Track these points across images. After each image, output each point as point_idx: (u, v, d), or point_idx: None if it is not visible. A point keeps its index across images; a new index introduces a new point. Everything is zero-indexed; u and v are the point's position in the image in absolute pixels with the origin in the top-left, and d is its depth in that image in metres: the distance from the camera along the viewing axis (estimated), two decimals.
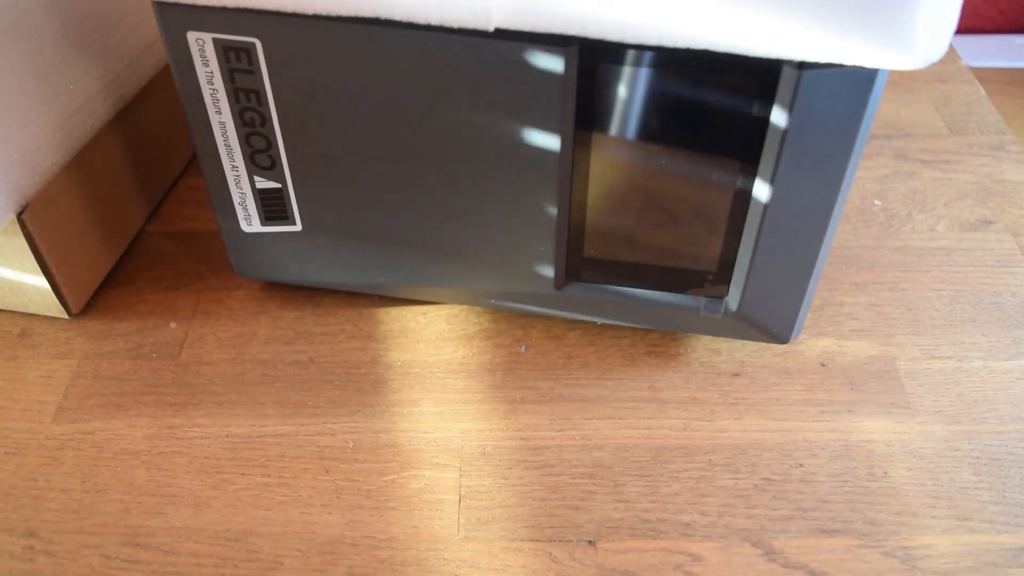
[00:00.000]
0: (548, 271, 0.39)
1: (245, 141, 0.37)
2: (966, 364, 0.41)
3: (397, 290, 0.43)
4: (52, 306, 0.43)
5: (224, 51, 0.33)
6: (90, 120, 0.43)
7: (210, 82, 0.35)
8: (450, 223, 0.38)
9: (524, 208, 0.36)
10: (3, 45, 0.37)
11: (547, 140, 0.34)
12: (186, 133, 0.54)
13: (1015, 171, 0.53)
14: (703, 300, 0.38)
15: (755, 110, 0.31)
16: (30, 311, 0.44)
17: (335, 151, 0.36)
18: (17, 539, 0.35)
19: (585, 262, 0.39)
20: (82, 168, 0.43)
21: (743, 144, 0.33)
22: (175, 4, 0.32)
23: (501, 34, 0.31)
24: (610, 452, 0.38)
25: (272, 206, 0.39)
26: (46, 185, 0.40)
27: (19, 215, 0.39)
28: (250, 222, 0.40)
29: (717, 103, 0.32)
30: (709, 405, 0.40)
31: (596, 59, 0.31)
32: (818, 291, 0.45)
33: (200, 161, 0.38)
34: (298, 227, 0.40)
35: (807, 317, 0.43)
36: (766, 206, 0.34)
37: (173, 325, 0.44)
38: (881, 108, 0.60)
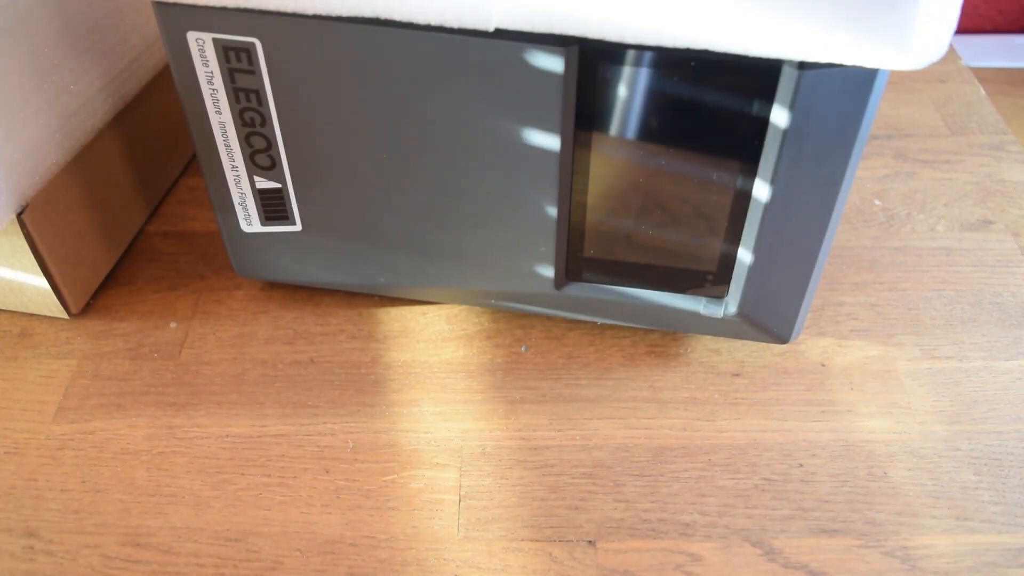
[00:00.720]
0: (548, 271, 0.39)
1: (245, 141, 0.37)
2: (966, 364, 0.41)
3: (397, 290, 0.43)
4: (52, 306, 0.43)
5: (224, 51, 0.33)
6: (90, 120, 0.43)
7: (210, 82, 0.35)
8: (450, 223, 0.38)
9: (524, 208, 0.36)
10: (3, 45, 0.37)
11: (547, 140, 0.34)
12: (186, 133, 0.54)
13: (1015, 171, 0.53)
14: (703, 300, 0.38)
15: (755, 110, 0.31)
16: (30, 311, 0.44)
17: (335, 151, 0.36)
18: (17, 539, 0.35)
19: (585, 262, 0.39)
20: (82, 168, 0.43)
21: (743, 144, 0.33)
22: (175, 4, 0.32)
23: (501, 34, 0.31)
24: (610, 452, 0.38)
25: (272, 206, 0.39)
26: (46, 185, 0.40)
27: (19, 215, 0.39)
28: (250, 222, 0.40)
29: (717, 103, 0.32)
30: (709, 405, 0.40)
31: (596, 59, 0.31)
32: (818, 291, 0.45)
33: (200, 161, 0.38)
34: (298, 227, 0.40)
35: (807, 317, 0.43)
36: (766, 206, 0.34)
37: (173, 325, 0.44)
38: (881, 108, 0.60)
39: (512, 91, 0.33)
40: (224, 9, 0.32)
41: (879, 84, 0.30)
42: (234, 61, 0.34)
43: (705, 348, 0.42)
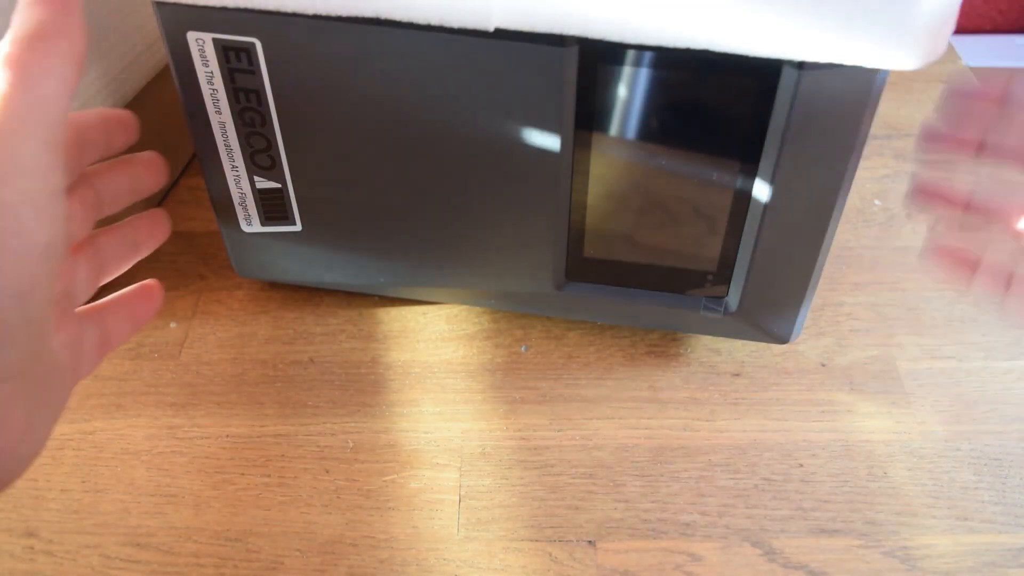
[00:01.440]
0: (548, 271, 0.39)
1: (245, 141, 0.37)
2: (966, 364, 0.41)
3: (397, 290, 0.43)
4: None
5: (224, 51, 0.33)
6: None
7: (210, 82, 0.35)
8: (450, 223, 0.38)
9: (524, 208, 0.36)
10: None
11: (547, 140, 0.34)
12: (186, 133, 0.54)
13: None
14: (703, 300, 0.38)
15: (755, 110, 0.31)
16: None
17: (335, 151, 0.36)
18: (17, 539, 0.35)
19: (585, 262, 0.39)
20: None
21: (743, 144, 0.33)
22: (175, 4, 0.32)
23: (501, 34, 0.31)
24: (610, 452, 0.38)
25: (272, 206, 0.39)
26: None
27: None
28: (250, 222, 0.40)
29: (717, 103, 0.32)
30: (709, 405, 0.40)
31: (596, 59, 0.31)
32: (818, 291, 0.45)
33: (200, 161, 0.38)
34: (298, 227, 0.40)
35: (807, 317, 0.43)
36: (766, 206, 0.34)
37: (173, 325, 0.44)
38: (881, 108, 0.60)
39: (512, 91, 0.33)
40: (224, 9, 0.32)
41: (879, 84, 0.30)
42: (234, 61, 0.34)
43: (705, 348, 0.42)
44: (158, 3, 0.32)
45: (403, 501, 0.36)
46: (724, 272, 0.37)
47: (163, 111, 0.51)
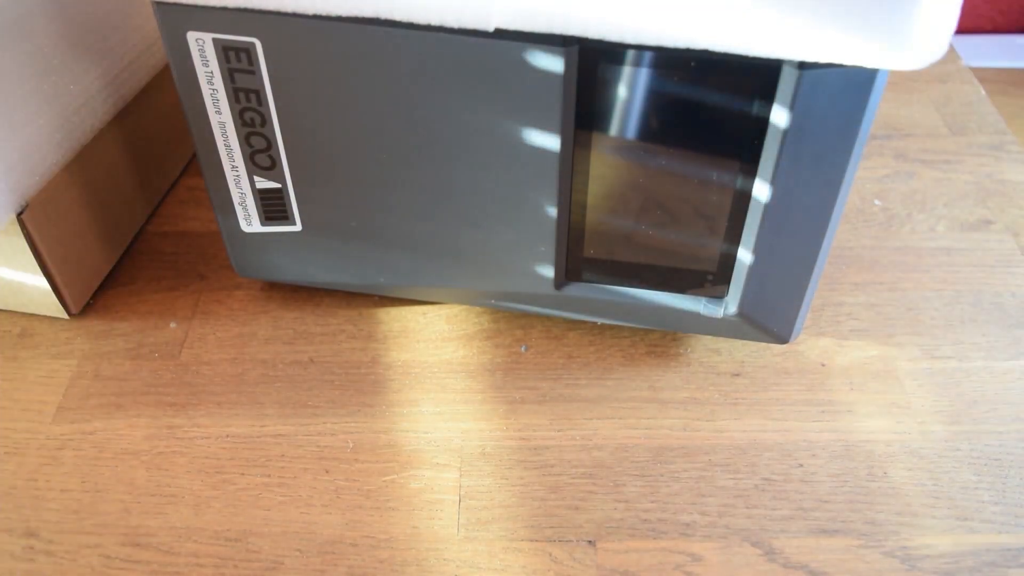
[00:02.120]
0: (548, 271, 0.39)
1: (245, 141, 0.37)
2: (966, 364, 0.41)
3: (397, 290, 0.43)
4: (52, 306, 0.43)
5: (224, 51, 0.33)
6: (90, 120, 0.43)
7: (210, 82, 0.35)
8: (450, 223, 0.38)
9: (524, 208, 0.36)
10: (3, 45, 0.37)
11: (547, 140, 0.34)
12: (186, 133, 0.54)
13: (1015, 171, 0.53)
14: (703, 300, 0.38)
15: (755, 110, 0.31)
16: (30, 311, 0.44)
17: (335, 151, 0.36)
18: (17, 539, 0.35)
19: (585, 262, 0.39)
20: (82, 168, 0.43)
21: (743, 144, 0.33)
22: (175, 4, 0.32)
23: (501, 34, 0.31)
24: (610, 452, 0.38)
25: (272, 206, 0.39)
26: (46, 185, 0.40)
27: (19, 215, 0.39)
28: (250, 222, 0.40)
29: (717, 103, 0.32)
30: (709, 405, 0.40)
31: (596, 59, 0.31)
32: (818, 291, 0.45)
33: (200, 161, 0.38)
34: (298, 227, 0.40)
35: (807, 317, 0.43)
36: (766, 206, 0.34)
37: (173, 325, 0.44)
38: (881, 108, 0.60)
39: (512, 91, 0.33)
40: (224, 9, 0.32)
41: (879, 84, 0.30)
42: (234, 61, 0.34)
43: (705, 348, 0.42)
44: (158, 3, 0.32)
45: (403, 501, 0.36)
46: (724, 272, 0.37)
47: (163, 111, 0.51)
